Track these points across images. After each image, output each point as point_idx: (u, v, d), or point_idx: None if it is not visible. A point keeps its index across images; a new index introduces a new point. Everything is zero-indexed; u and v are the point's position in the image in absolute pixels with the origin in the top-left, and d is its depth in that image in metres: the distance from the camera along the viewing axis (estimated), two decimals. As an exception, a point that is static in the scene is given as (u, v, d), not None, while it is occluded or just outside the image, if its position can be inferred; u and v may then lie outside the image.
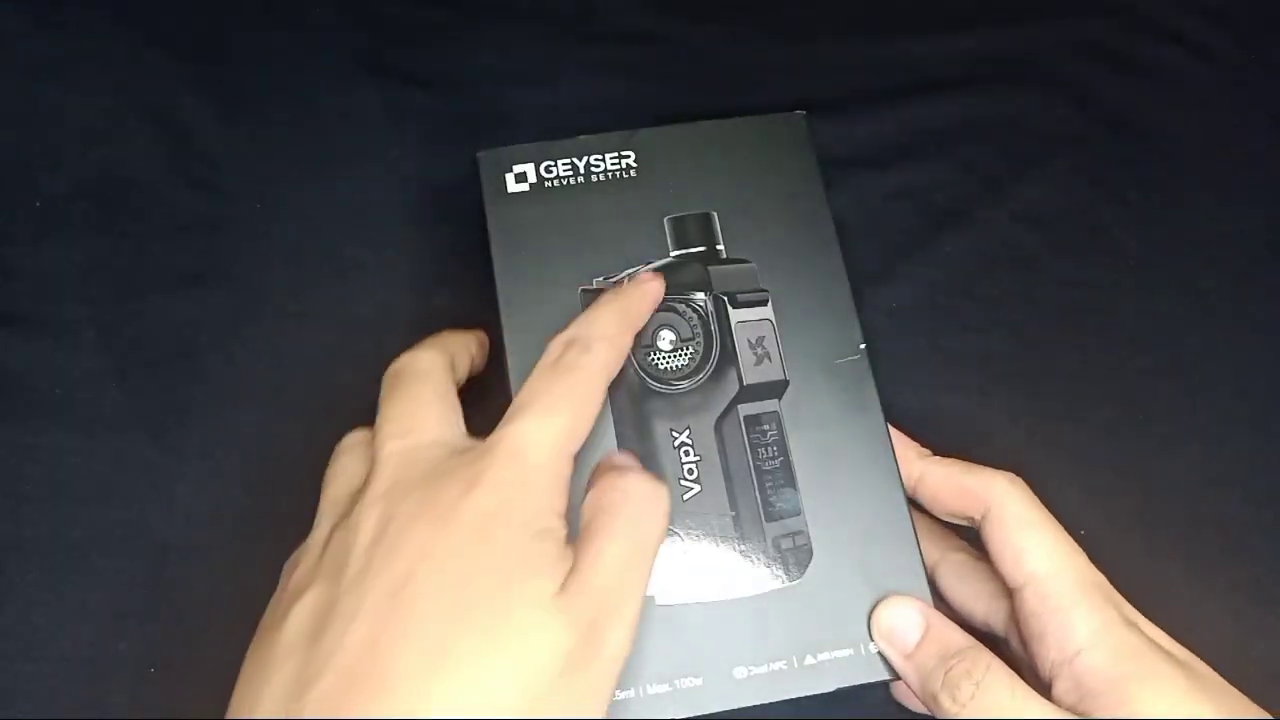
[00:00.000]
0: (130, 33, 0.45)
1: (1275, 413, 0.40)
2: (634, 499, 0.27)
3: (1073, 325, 0.41)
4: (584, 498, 0.27)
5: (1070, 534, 0.37)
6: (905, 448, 0.32)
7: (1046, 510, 0.30)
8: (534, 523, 0.25)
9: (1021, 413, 0.39)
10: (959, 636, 0.29)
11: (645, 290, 0.32)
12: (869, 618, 0.30)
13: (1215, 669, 0.30)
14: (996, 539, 0.30)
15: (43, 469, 0.37)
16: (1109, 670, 0.26)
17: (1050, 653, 0.28)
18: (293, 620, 0.25)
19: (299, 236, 0.41)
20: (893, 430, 0.33)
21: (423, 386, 0.29)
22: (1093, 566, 0.29)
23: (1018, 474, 0.38)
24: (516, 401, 0.28)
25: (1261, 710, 0.27)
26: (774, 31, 0.47)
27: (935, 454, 0.33)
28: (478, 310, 0.34)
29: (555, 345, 0.29)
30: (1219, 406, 0.40)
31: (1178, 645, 0.29)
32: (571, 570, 0.25)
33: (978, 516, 0.30)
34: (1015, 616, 0.30)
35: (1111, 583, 0.35)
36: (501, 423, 0.27)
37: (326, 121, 0.44)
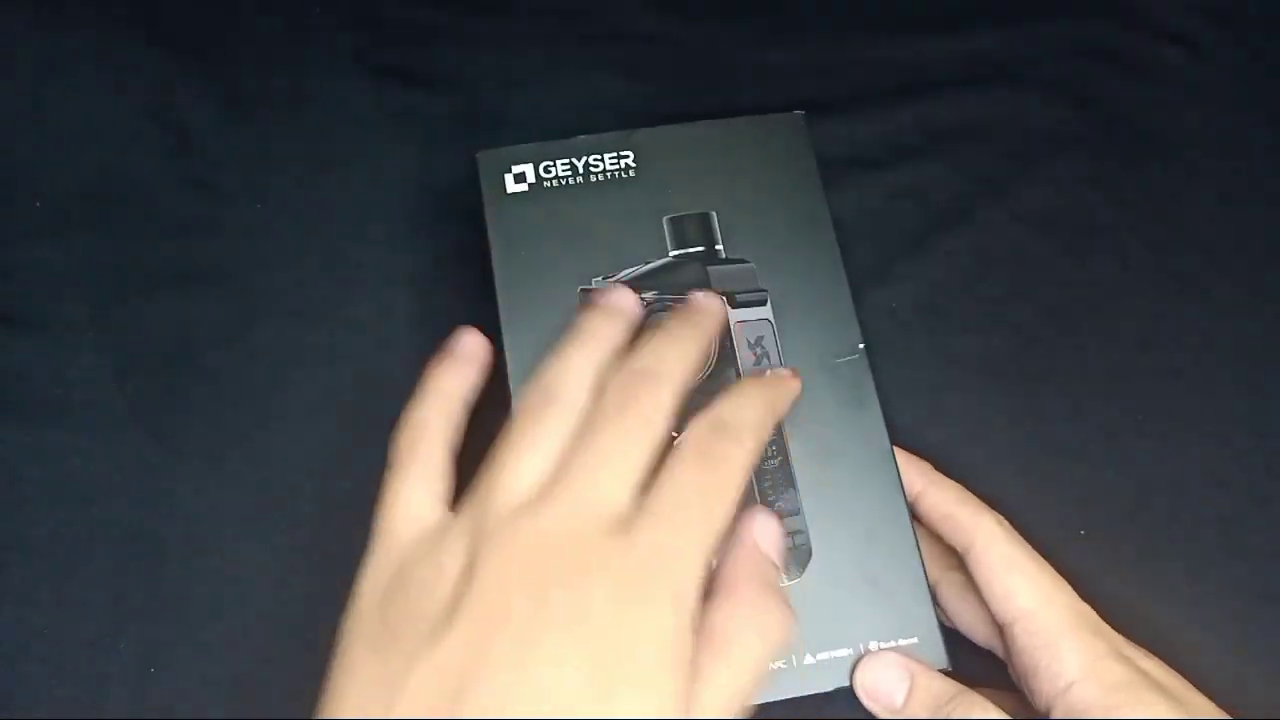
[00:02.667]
0: (130, 33, 0.45)
1: (1275, 413, 0.40)
2: (768, 623, 0.25)
3: (1073, 325, 0.41)
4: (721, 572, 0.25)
5: (1070, 534, 0.37)
6: (908, 464, 0.33)
7: (1030, 548, 0.31)
8: (668, 651, 0.23)
9: (1021, 413, 0.39)
10: (945, 685, 0.29)
11: (791, 386, 0.31)
12: (867, 620, 0.30)
13: (1216, 669, 0.30)
14: (983, 578, 0.30)
15: (43, 469, 0.37)
16: (1100, 701, 0.27)
17: (1044, 686, 0.28)
18: (421, 681, 0.23)
19: (299, 236, 0.41)
20: (896, 449, 0.33)
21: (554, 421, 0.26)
22: (1080, 600, 0.29)
23: (1018, 473, 0.38)
24: (664, 490, 0.25)
25: None
26: (774, 31, 0.47)
27: (929, 460, 0.33)
28: (478, 310, 0.34)
29: (700, 428, 0.26)
30: (1219, 406, 0.40)
31: (1171, 674, 0.29)
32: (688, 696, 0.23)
33: (960, 549, 0.31)
34: (1008, 652, 0.30)
35: (1112, 582, 0.35)
36: (647, 511, 0.24)
37: (326, 121, 0.44)
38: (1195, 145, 0.45)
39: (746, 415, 0.27)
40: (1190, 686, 0.29)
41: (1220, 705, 0.29)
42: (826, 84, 0.45)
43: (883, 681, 0.29)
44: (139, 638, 0.35)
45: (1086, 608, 0.29)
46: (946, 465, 0.38)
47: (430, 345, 0.39)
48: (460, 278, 0.40)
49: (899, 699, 0.29)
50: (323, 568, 0.36)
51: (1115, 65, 0.47)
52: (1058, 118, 0.45)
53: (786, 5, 0.48)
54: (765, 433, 0.28)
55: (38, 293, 0.40)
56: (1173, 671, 0.29)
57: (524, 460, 0.25)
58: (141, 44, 0.45)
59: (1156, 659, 0.29)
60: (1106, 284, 0.42)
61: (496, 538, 0.24)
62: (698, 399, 0.32)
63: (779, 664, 0.30)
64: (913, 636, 0.30)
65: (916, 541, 0.31)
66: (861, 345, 0.33)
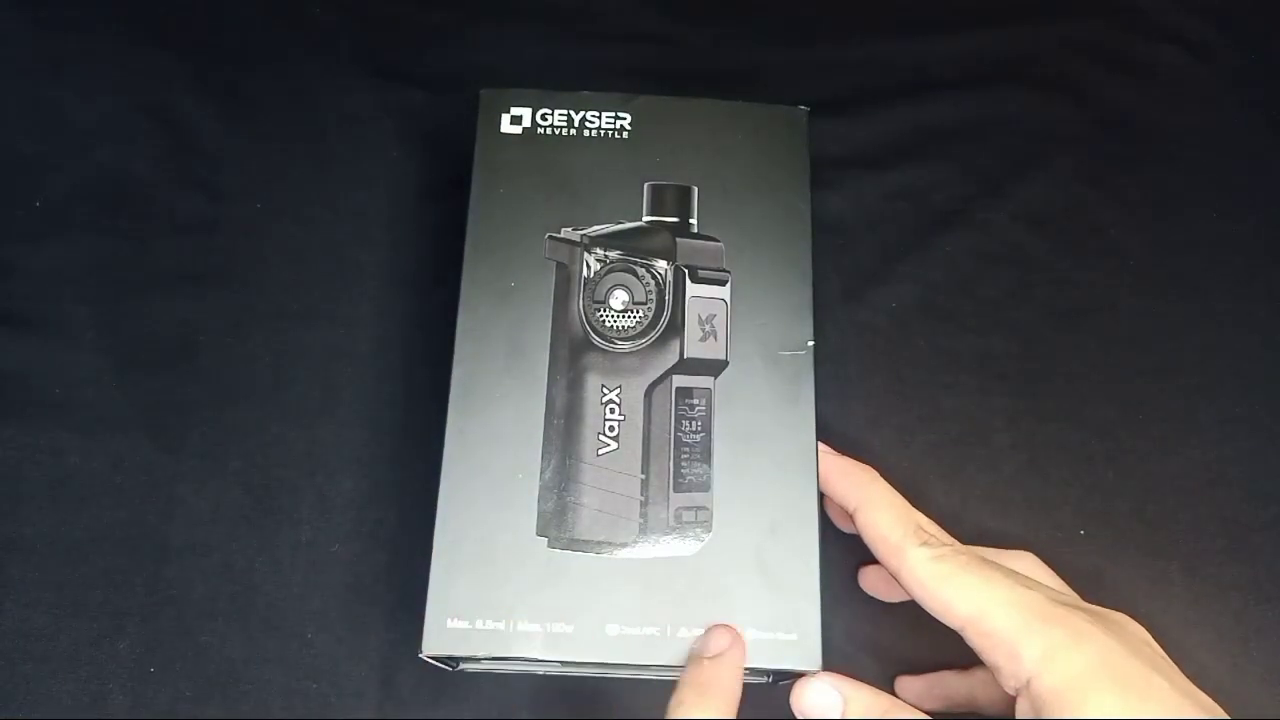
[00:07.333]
0: (130, 33, 0.45)
1: (1275, 413, 0.40)
2: None
3: (1073, 325, 0.41)
4: None
5: (1070, 534, 0.37)
6: (852, 475, 0.32)
7: (955, 550, 0.30)
8: None
9: (1021, 413, 0.39)
10: (879, 700, 0.29)
11: (731, 659, 0.29)
12: (750, 608, 0.30)
13: (1216, 669, 0.30)
14: (918, 596, 0.30)
15: (43, 469, 0.37)
16: (1058, 697, 0.27)
17: (1006, 680, 0.28)
18: None
19: (299, 236, 0.41)
20: (845, 458, 0.33)
21: None
22: (1019, 584, 0.29)
23: (1018, 473, 0.38)
24: None
25: (1202, 711, 0.27)
26: (774, 31, 0.47)
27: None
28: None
29: None
30: (1219, 406, 0.40)
31: (1127, 654, 0.28)
32: None
33: (891, 573, 0.31)
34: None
35: (1112, 582, 0.35)
36: None
37: (326, 121, 0.44)
38: (1195, 145, 0.45)
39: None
40: (1152, 672, 0.28)
41: (1220, 705, 0.29)
42: (826, 84, 0.45)
43: (817, 703, 0.29)
44: (139, 638, 0.35)
45: (1028, 592, 0.29)
46: (946, 465, 0.38)
47: (429, 346, 0.39)
48: (460, 277, 0.40)
49: (836, 715, 0.29)
50: (322, 567, 0.36)
51: (1115, 65, 0.47)
52: (1058, 118, 0.45)
53: (786, 5, 0.48)
54: None
55: (38, 293, 0.40)
56: (1120, 625, 0.29)
57: None
58: (141, 44, 0.45)
59: (1105, 616, 0.29)
60: (1106, 284, 0.42)
61: None
62: (635, 362, 0.32)
63: (652, 630, 0.30)
64: (792, 633, 0.30)
65: (818, 544, 0.31)
66: (811, 343, 0.33)
